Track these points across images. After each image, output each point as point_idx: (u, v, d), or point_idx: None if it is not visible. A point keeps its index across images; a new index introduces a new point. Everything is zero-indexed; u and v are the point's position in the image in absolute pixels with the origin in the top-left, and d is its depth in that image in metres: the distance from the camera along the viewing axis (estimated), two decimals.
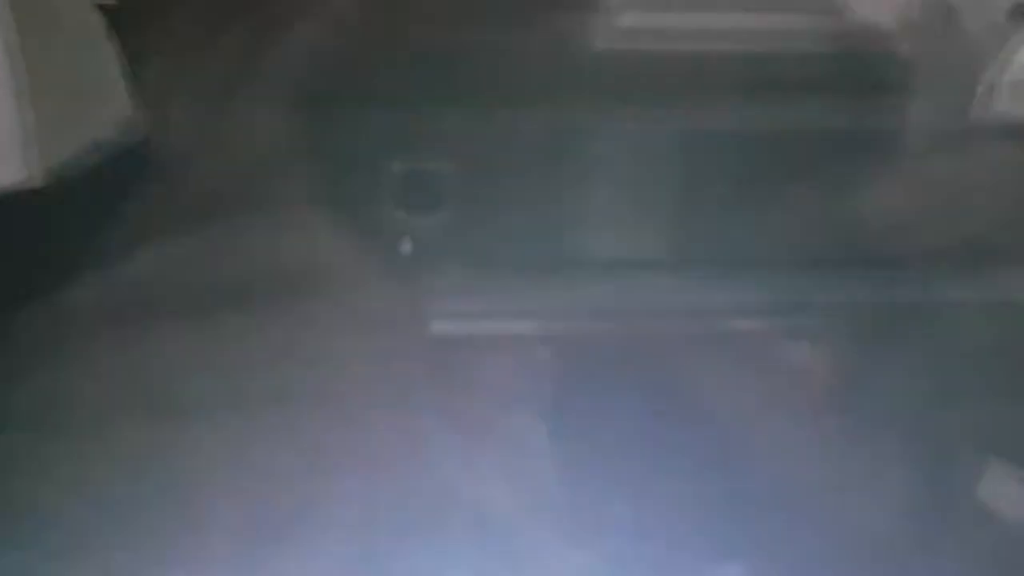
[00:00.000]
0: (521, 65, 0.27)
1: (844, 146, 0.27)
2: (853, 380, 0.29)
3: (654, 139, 0.27)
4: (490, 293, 0.27)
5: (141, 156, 0.37)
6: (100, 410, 0.23)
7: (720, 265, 0.28)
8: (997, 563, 0.28)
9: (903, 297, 0.27)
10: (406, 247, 0.25)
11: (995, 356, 0.28)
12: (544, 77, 0.27)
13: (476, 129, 0.27)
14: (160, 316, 0.24)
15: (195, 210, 0.29)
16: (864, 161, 0.27)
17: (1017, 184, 0.28)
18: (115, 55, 0.35)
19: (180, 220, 0.29)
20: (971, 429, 0.28)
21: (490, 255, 0.27)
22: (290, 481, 0.24)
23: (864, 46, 0.27)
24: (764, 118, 0.27)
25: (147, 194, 0.33)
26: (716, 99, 0.27)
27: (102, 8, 0.35)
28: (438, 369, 0.25)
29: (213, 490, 0.23)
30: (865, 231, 0.27)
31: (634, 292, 0.28)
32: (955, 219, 0.27)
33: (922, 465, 0.29)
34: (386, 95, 0.26)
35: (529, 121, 0.27)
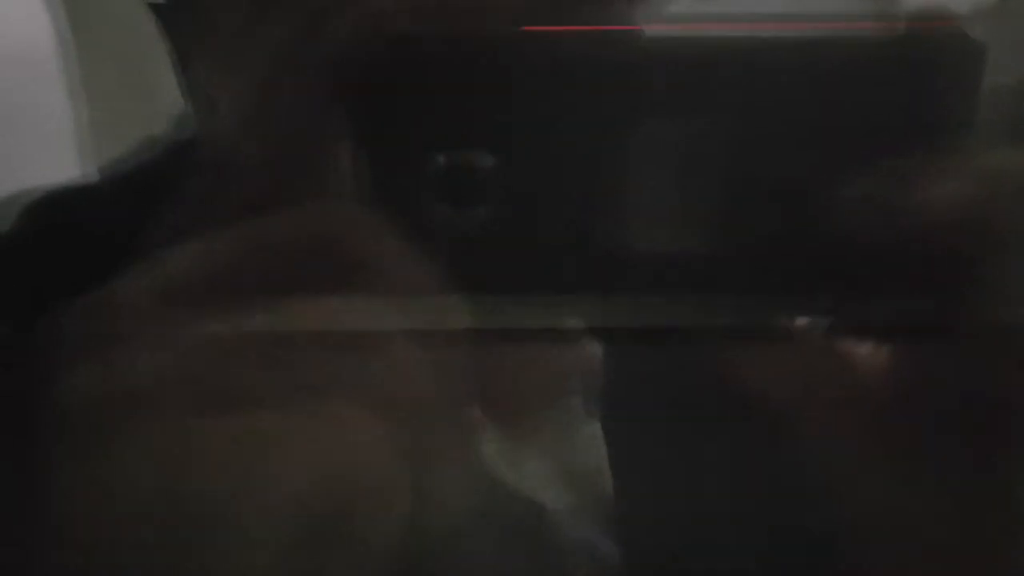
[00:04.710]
0: (568, 52, 0.26)
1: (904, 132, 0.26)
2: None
3: (705, 130, 0.26)
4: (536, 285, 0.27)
5: (192, 151, 0.37)
6: (156, 403, 0.23)
7: (771, 259, 0.27)
8: None
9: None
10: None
11: None
12: (593, 64, 0.26)
13: (522, 120, 0.26)
14: (211, 311, 0.24)
15: (245, 204, 0.29)
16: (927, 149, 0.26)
17: None
18: (166, 51, 0.36)
19: (231, 214, 0.29)
20: None
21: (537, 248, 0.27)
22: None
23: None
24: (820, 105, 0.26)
25: (198, 188, 0.33)
26: (768, 87, 0.26)
27: (152, 6, 0.35)
28: (481, 362, 0.25)
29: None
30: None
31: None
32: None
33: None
34: (431, 86, 0.26)
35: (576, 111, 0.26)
